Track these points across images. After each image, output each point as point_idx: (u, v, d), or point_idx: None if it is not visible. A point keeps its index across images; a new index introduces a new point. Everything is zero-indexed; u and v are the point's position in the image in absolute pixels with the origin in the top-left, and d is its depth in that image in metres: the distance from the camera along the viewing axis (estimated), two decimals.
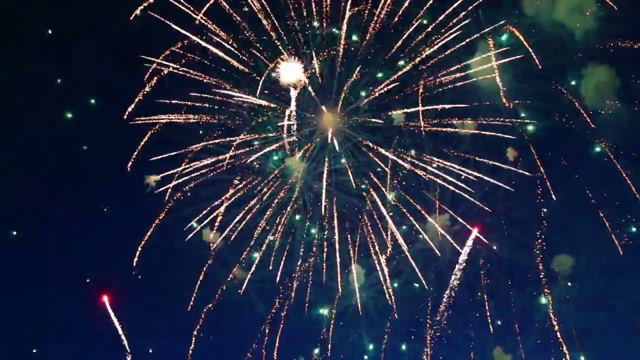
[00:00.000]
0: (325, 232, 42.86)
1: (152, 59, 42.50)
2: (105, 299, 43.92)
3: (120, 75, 42.83)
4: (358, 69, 41.94)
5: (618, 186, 41.22)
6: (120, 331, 43.81)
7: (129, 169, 42.85)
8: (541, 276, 42.27)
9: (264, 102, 42.47)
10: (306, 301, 43.26)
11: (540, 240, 42.15)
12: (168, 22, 41.85)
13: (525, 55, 40.64)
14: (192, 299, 42.90)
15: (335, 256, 42.72)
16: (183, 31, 42.04)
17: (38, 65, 43.56)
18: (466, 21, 40.94)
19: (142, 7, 41.53)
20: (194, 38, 42.12)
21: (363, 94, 42.49)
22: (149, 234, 43.12)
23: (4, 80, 43.08)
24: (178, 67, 42.69)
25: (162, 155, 42.60)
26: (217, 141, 43.10)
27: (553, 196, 41.60)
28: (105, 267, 43.60)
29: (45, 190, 44.81)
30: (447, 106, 41.77)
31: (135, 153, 42.82)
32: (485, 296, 42.85)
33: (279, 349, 43.43)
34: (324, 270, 43.02)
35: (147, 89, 42.46)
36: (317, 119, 42.58)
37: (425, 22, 41.42)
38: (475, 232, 41.35)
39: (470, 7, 40.78)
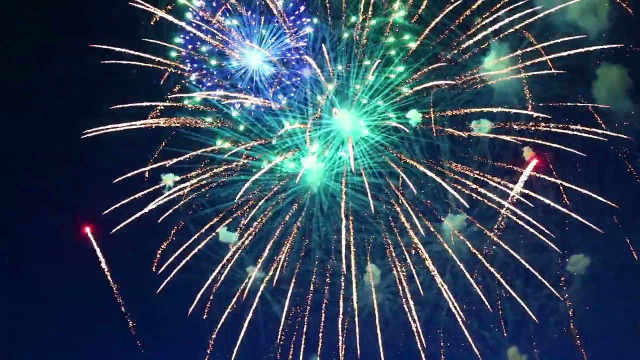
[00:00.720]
0: (343, 234, 42.78)
1: (168, 62, 42.70)
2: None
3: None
4: (375, 70, 42.07)
5: (633, 188, 41.43)
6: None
7: (147, 175, 42.92)
8: (558, 277, 42.33)
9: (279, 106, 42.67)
10: (323, 303, 43.40)
11: (556, 242, 42.06)
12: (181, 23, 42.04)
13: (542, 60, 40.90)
14: (210, 300, 43.10)
15: (351, 258, 42.80)
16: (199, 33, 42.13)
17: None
18: (483, 23, 41.17)
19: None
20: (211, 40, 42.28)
21: (379, 95, 42.62)
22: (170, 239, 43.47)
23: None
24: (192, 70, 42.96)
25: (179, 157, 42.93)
26: (228, 145, 43.21)
27: (567, 201, 41.58)
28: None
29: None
30: (470, 111, 41.85)
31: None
32: (500, 299, 42.80)
33: (294, 350, 43.50)
34: (343, 272, 43.07)
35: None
36: (334, 120, 42.64)
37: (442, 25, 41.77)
38: (534, 163, 41.10)
39: (488, 13, 41.06)
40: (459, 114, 42.28)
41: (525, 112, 41.52)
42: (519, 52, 41.52)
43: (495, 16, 41.26)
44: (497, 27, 41.29)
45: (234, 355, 43.05)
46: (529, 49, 41.36)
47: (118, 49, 42.23)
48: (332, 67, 42.03)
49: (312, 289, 43.35)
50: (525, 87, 41.61)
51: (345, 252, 42.75)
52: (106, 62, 42.18)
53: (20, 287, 45.44)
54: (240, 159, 43.08)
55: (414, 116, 42.18)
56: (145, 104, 42.71)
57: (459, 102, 42.37)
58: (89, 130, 42.55)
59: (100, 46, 42.13)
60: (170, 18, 42.31)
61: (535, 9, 40.94)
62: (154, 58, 42.66)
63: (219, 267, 42.92)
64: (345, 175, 42.39)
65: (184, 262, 42.88)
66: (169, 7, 42.43)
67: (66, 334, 45.41)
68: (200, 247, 42.83)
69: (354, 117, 42.55)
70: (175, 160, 42.80)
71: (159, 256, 43.09)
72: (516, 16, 40.98)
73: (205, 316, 42.98)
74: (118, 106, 42.23)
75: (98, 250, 43.73)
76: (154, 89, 42.92)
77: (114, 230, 42.86)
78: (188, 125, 42.96)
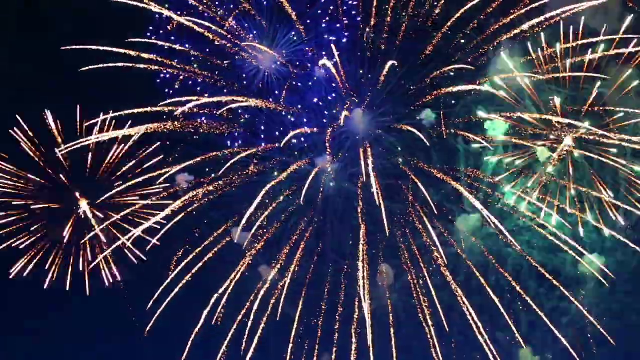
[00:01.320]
0: (361, 237, 42.69)
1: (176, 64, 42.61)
2: None
3: None
4: (387, 70, 42.08)
5: None
6: None
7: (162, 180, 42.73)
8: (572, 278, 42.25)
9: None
10: (338, 303, 43.22)
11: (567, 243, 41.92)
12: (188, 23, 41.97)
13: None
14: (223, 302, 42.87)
15: (365, 259, 42.62)
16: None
17: None
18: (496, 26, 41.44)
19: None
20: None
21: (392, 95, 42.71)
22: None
23: None
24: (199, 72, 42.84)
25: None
26: (238, 149, 43.23)
27: (576, 203, 41.52)
28: None
29: None
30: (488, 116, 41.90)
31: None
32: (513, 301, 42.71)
33: (307, 351, 43.38)
34: (357, 274, 42.83)
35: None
36: (347, 120, 42.68)
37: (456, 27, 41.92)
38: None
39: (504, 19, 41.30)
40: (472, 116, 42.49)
41: (542, 115, 41.65)
42: (531, 54, 41.64)
43: (508, 19, 41.46)
44: (510, 29, 41.55)
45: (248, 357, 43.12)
46: (541, 52, 41.57)
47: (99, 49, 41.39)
48: (346, 69, 42.16)
49: (326, 290, 43.54)
50: (536, 89, 41.79)
51: (359, 253, 42.66)
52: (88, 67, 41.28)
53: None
54: (252, 163, 43.25)
55: (428, 116, 42.22)
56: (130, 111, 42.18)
57: (472, 103, 42.53)
58: (63, 147, 42.05)
59: (77, 47, 41.18)
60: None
61: (552, 13, 40.99)
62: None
63: (232, 268, 42.92)
64: (360, 177, 42.49)
65: (199, 265, 42.90)
66: None
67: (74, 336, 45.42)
68: (214, 249, 42.92)
69: (368, 117, 42.57)
70: (184, 164, 42.74)
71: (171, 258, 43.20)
72: (534, 22, 41.09)
73: (219, 321, 42.94)
74: (93, 120, 41.86)
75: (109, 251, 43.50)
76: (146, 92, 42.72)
77: (130, 235, 42.68)
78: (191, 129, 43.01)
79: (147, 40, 42.15)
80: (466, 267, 42.66)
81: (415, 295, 42.85)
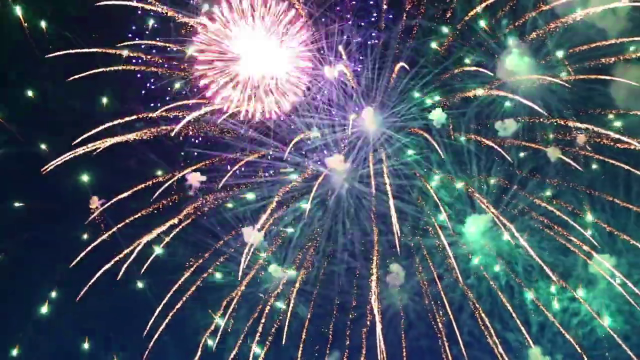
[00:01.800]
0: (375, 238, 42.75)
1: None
2: None
3: None
4: (397, 70, 42.09)
5: None
6: None
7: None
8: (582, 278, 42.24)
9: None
10: (351, 305, 43.32)
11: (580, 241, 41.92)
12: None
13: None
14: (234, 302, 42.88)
15: (376, 259, 42.71)
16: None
17: None
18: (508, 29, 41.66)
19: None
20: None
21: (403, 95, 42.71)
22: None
23: None
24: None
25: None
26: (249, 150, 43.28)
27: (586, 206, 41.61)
28: None
29: None
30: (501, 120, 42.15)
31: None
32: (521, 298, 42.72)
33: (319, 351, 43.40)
34: (371, 274, 42.85)
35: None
36: (358, 119, 42.65)
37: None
38: None
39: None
40: (483, 115, 42.72)
41: (555, 119, 41.87)
42: (543, 56, 41.85)
43: (521, 21, 41.61)
44: (522, 30, 41.81)
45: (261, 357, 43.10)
46: (552, 53, 41.77)
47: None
48: (357, 69, 42.14)
49: (337, 290, 43.71)
50: (547, 90, 41.89)
51: (370, 253, 42.88)
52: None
53: None
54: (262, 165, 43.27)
55: (438, 116, 42.21)
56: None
57: (482, 102, 42.62)
58: (50, 163, 41.57)
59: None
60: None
61: (568, 19, 41.05)
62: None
63: (244, 269, 42.86)
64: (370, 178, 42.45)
65: (213, 266, 43.00)
66: None
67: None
68: (224, 248, 42.99)
69: (379, 117, 42.56)
70: (194, 167, 42.73)
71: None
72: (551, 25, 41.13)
73: (230, 324, 42.94)
74: (79, 139, 41.13)
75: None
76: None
77: (142, 240, 42.50)
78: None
79: (153, 42, 42.11)
80: (476, 268, 42.77)
81: (425, 296, 43.02)
